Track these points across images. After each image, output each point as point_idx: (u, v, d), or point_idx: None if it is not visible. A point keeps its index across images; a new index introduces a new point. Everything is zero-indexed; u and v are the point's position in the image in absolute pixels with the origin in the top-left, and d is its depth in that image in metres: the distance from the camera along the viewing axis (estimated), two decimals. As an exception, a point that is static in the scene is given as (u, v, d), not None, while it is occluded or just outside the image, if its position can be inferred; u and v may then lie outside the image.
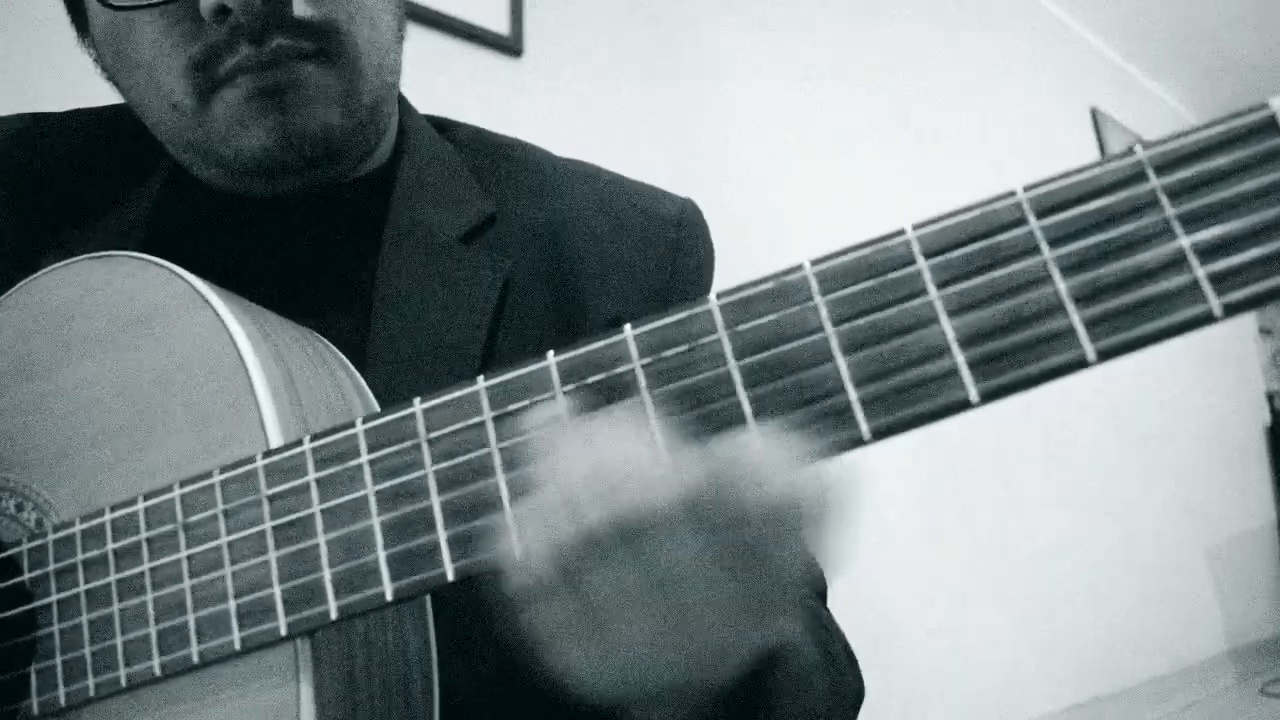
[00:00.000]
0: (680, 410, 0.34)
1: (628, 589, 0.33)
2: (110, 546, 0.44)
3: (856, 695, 0.58)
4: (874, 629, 2.18)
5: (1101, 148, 3.60)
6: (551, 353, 0.37)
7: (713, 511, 0.32)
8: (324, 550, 0.39)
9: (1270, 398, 4.37)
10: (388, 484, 0.38)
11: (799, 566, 0.35)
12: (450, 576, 0.37)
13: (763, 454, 0.32)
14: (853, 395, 0.32)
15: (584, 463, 0.33)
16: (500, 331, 0.59)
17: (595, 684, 0.36)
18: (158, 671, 0.42)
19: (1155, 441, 3.38)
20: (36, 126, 0.69)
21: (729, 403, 0.34)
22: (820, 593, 0.66)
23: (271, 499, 0.41)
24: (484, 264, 0.61)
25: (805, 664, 0.48)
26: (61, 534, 0.46)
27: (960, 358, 0.31)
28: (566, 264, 0.63)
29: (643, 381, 0.35)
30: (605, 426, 0.34)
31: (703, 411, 0.34)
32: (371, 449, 0.39)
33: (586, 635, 0.35)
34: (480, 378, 0.38)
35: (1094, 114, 3.68)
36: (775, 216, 2.21)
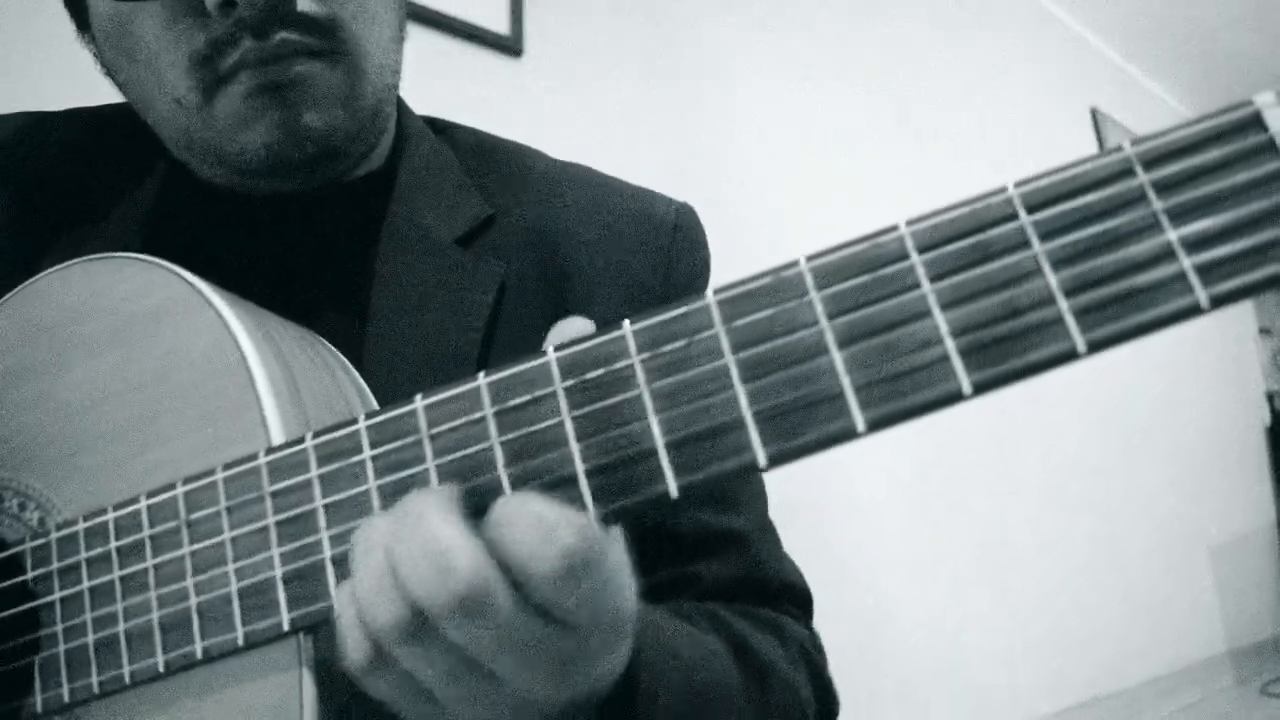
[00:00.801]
0: (675, 404, 0.35)
1: (440, 667, 0.36)
2: (113, 544, 0.45)
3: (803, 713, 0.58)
4: (874, 630, 2.18)
5: (1101, 148, 3.59)
6: (552, 348, 0.37)
7: (492, 594, 0.34)
8: (327, 545, 0.39)
9: (1270, 398, 4.37)
10: (390, 479, 0.39)
11: (604, 614, 0.37)
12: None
13: (527, 525, 0.34)
14: (847, 387, 0.33)
15: (378, 559, 0.35)
16: (496, 333, 0.60)
17: None
18: (161, 667, 0.42)
19: (1155, 441, 3.38)
20: (36, 126, 0.69)
21: (726, 396, 0.34)
22: (802, 606, 0.66)
23: (274, 495, 0.41)
24: (480, 266, 0.62)
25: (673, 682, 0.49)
26: (65, 532, 0.46)
27: (953, 350, 0.32)
28: (562, 267, 0.63)
29: (641, 376, 0.35)
30: (401, 520, 0.36)
31: (699, 405, 0.34)
32: (374, 445, 0.39)
33: (415, 702, 0.38)
34: (481, 373, 0.38)
35: (1094, 114, 3.68)
36: (775, 216, 2.21)
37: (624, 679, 0.43)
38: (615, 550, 0.37)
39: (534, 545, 0.33)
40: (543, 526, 0.34)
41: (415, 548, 0.34)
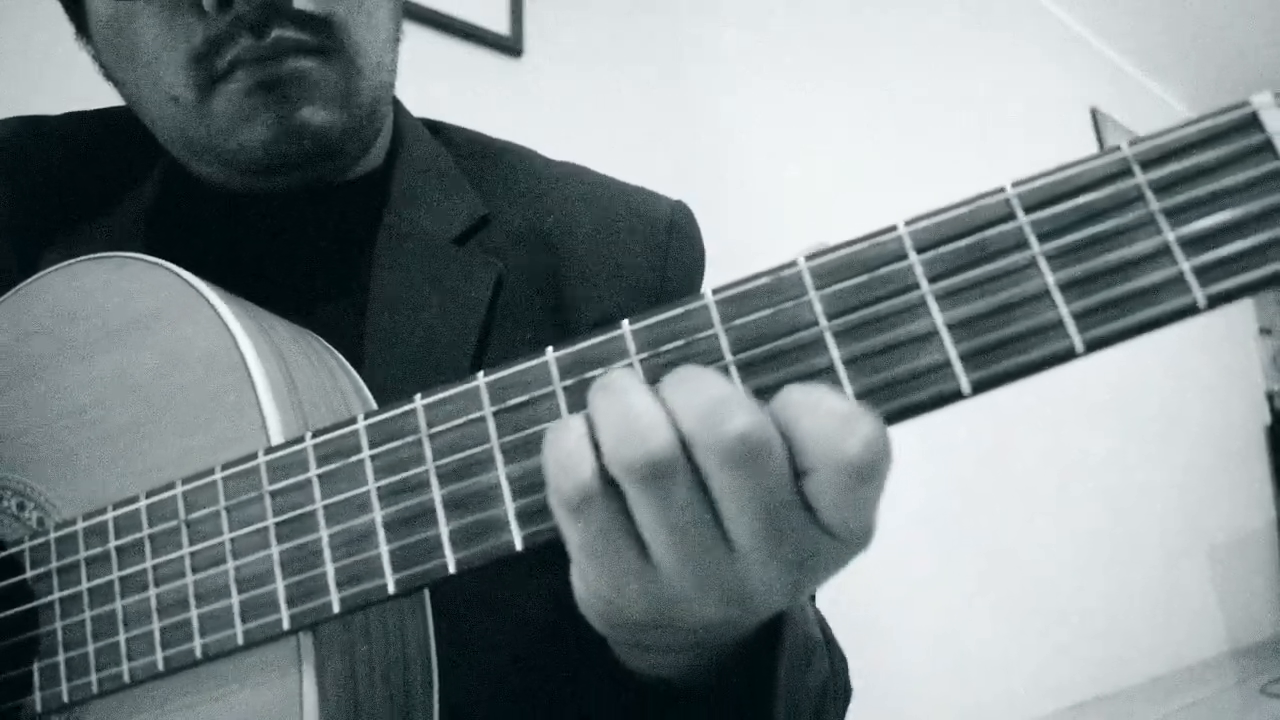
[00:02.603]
0: None
1: (676, 512, 0.33)
2: (113, 544, 0.45)
3: (846, 692, 0.59)
4: (873, 628, 2.18)
5: (1101, 148, 3.59)
6: (550, 348, 0.37)
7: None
8: (326, 544, 0.39)
9: (1270, 398, 4.37)
10: (389, 479, 0.39)
11: (860, 532, 0.34)
12: (451, 569, 0.37)
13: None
14: (847, 387, 0.33)
15: (641, 391, 0.33)
16: (493, 332, 0.60)
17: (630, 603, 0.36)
18: (161, 667, 0.43)
19: (1155, 441, 3.38)
20: (33, 129, 0.69)
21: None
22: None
23: (273, 494, 0.41)
24: (477, 265, 0.62)
25: (811, 640, 0.49)
26: (63, 532, 0.46)
27: (951, 349, 0.32)
28: (558, 266, 0.64)
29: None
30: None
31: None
32: (373, 444, 0.39)
33: (619, 551, 0.34)
34: (480, 373, 0.38)
35: (1094, 114, 3.68)
36: (775, 215, 2.21)
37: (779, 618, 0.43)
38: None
39: (832, 430, 0.31)
40: (842, 414, 0.31)
41: (693, 388, 0.32)
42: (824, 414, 0.31)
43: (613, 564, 0.34)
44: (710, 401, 0.31)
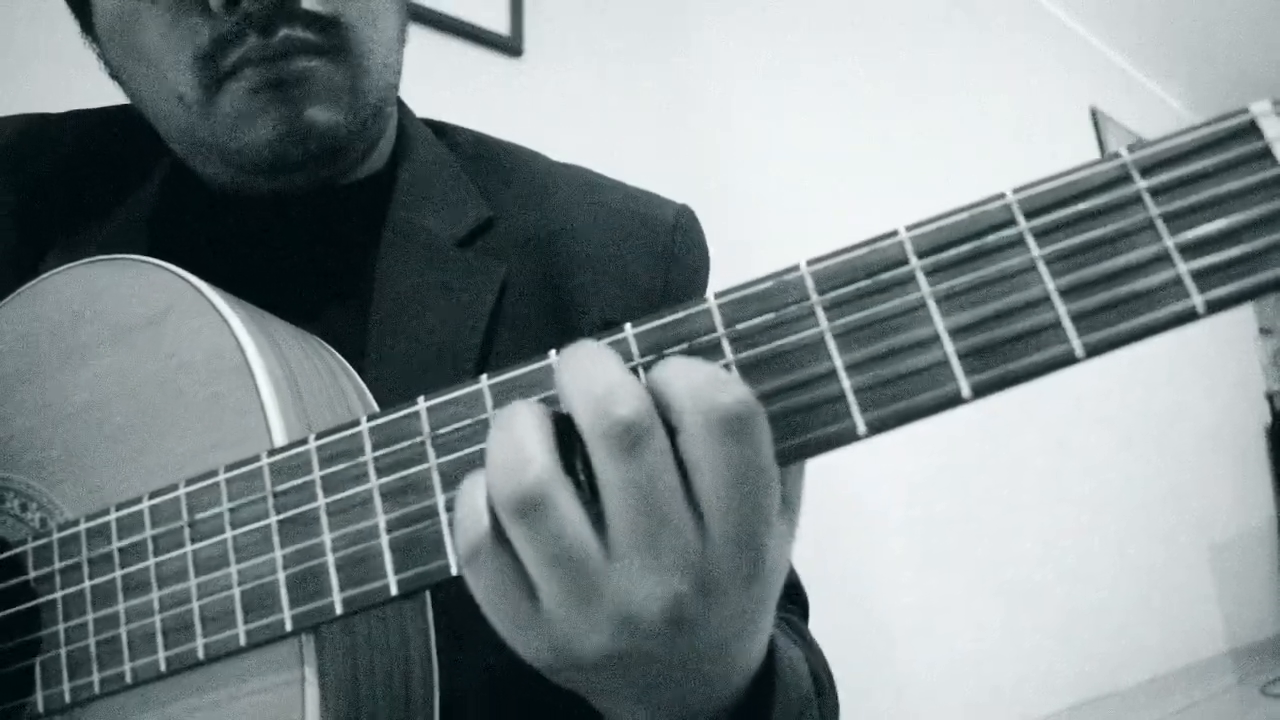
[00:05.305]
0: None
1: (548, 545, 0.33)
2: (115, 544, 0.45)
3: (835, 713, 0.58)
4: (873, 628, 2.18)
5: (1101, 148, 3.60)
6: (554, 351, 0.37)
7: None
8: (329, 546, 0.40)
9: (1270, 398, 4.37)
10: (392, 480, 0.39)
11: (750, 523, 0.33)
12: (454, 571, 0.37)
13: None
14: (847, 390, 0.33)
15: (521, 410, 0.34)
16: (496, 335, 0.60)
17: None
18: (163, 667, 0.43)
19: (1155, 441, 3.38)
20: (38, 128, 0.69)
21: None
22: (802, 607, 0.66)
23: (276, 496, 0.41)
24: (481, 268, 0.62)
25: (805, 700, 0.48)
26: (66, 532, 0.46)
27: (952, 353, 0.32)
28: (562, 268, 0.64)
29: (643, 380, 0.35)
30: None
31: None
32: (376, 446, 0.39)
33: (514, 598, 0.35)
34: (484, 375, 0.38)
35: (1094, 114, 3.68)
36: (774, 215, 2.21)
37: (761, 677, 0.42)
38: (782, 477, 0.35)
39: (703, 384, 0.32)
40: (717, 375, 0.32)
41: (584, 382, 0.33)
42: (698, 373, 0.32)
43: (510, 612, 0.35)
44: (599, 392, 0.32)
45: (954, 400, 0.32)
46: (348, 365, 0.52)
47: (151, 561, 0.43)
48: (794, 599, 0.65)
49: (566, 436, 0.34)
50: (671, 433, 0.33)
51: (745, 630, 0.37)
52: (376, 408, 0.51)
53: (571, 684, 0.39)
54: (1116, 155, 0.31)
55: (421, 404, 0.39)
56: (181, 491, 0.43)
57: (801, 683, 0.48)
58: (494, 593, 0.35)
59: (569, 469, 0.34)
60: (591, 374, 0.33)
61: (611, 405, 0.32)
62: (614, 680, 0.37)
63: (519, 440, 0.33)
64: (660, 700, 0.39)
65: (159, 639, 0.43)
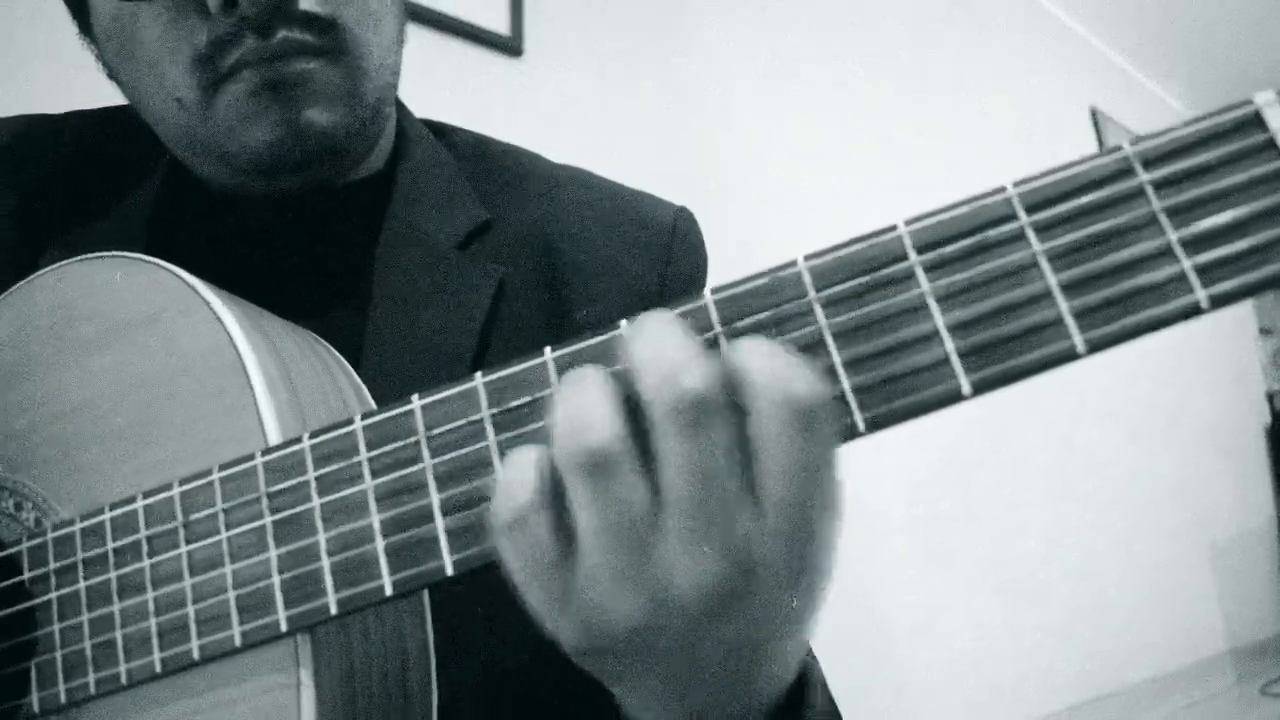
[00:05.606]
0: None
1: (608, 513, 0.33)
2: (110, 545, 0.44)
3: None
4: (874, 627, 2.18)
5: (1101, 148, 3.60)
6: (549, 349, 0.37)
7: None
8: (323, 546, 0.39)
9: (1270, 398, 4.37)
10: (387, 480, 0.39)
11: (810, 524, 0.33)
12: (449, 570, 0.37)
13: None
14: (847, 387, 0.33)
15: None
16: (493, 337, 0.60)
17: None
18: (158, 668, 0.42)
19: (1155, 441, 3.38)
20: (36, 128, 0.69)
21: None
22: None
23: (271, 496, 0.41)
24: (478, 270, 0.62)
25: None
26: (61, 532, 0.46)
27: (952, 350, 0.32)
28: (560, 270, 0.64)
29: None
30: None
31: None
32: (370, 446, 0.39)
33: (547, 574, 0.35)
34: (478, 374, 0.38)
35: (1094, 114, 3.68)
36: (774, 215, 2.21)
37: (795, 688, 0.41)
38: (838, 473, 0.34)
39: (780, 369, 0.31)
40: (794, 361, 0.32)
41: (652, 352, 0.32)
42: (778, 358, 0.32)
43: (547, 582, 0.34)
44: (668, 364, 0.32)
45: (954, 397, 0.32)
46: (343, 360, 0.52)
47: (146, 563, 0.43)
48: None
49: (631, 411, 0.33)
50: (740, 414, 0.32)
51: (780, 632, 0.36)
52: (372, 402, 0.51)
53: (599, 671, 0.38)
54: (1119, 148, 0.31)
55: (416, 403, 0.39)
56: (176, 491, 0.43)
57: (827, 699, 0.48)
58: (533, 561, 0.34)
59: (639, 442, 0.33)
60: (664, 344, 0.33)
61: (682, 377, 0.32)
62: (640, 670, 0.37)
63: (591, 401, 0.33)
64: (687, 699, 0.38)
65: (154, 639, 0.43)
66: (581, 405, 0.33)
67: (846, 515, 0.34)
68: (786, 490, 0.32)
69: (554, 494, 0.33)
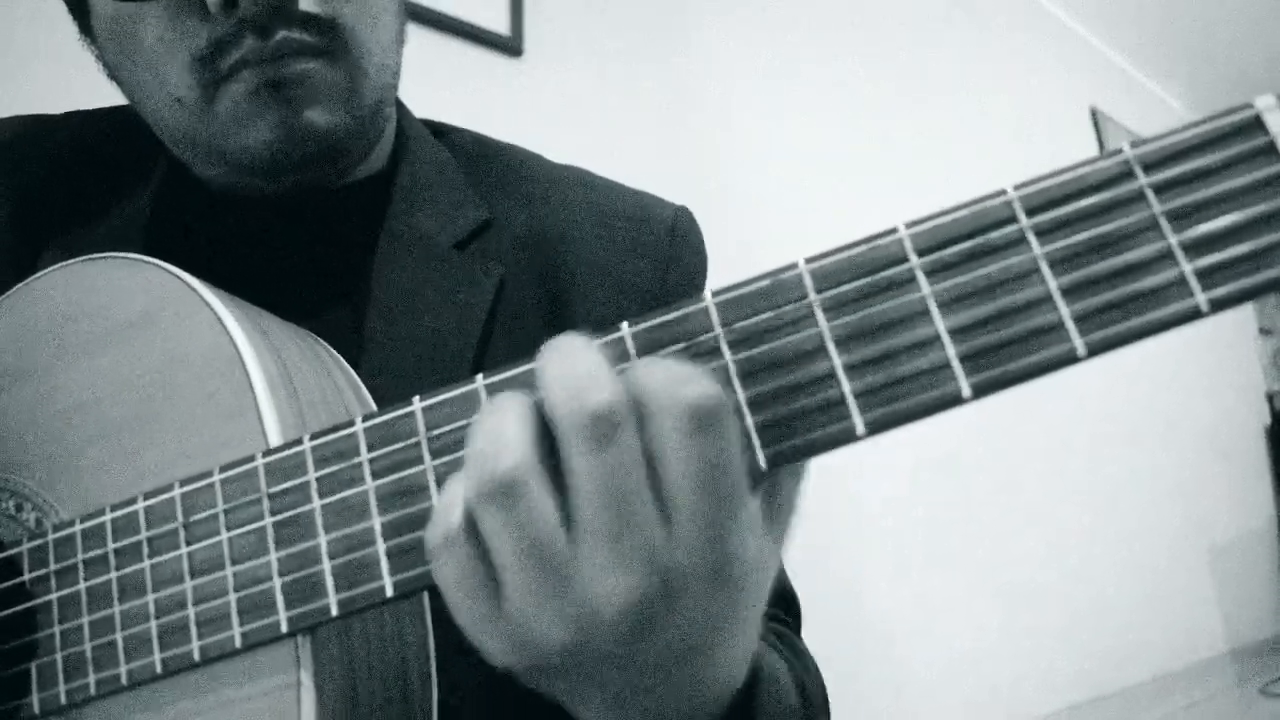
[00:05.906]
0: None
1: (522, 535, 0.33)
2: (110, 546, 0.44)
3: None
4: (873, 629, 2.18)
5: (1101, 148, 3.60)
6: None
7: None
8: (324, 547, 0.39)
9: (1270, 398, 4.37)
10: (388, 481, 0.39)
11: (719, 524, 0.33)
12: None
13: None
14: (846, 389, 0.33)
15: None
16: (494, 337, 0.60)
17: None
18: (159, 669, 0.42)
19: (1155, 441, 3.38)
20: (35, 128, 0.69)
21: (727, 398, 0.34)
22: (796, 618, 0.65)
23: (272, 497, 0.41)
24: (478, 270, 0.62)
25: (781, 689, 0.47)
26: (61, 534, 0.46)
27: (952, 353, 0.32)
28: (560, 270, 0.64)
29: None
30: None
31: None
32: (371, 447, 0.39)
33: (477, 597, 0.35)
34: (479, 375, 0.38)
35: (1094, 114, 3.68)
36: (774, 215, 2.21)
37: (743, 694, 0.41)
38: (779, 479, 0.35)
39: (672, 379, 0.32)
40: (686, 371, 0.32)
41: (561, 369, 0.33)
42: (668, 368, 0.32)
43: (473, 608, 0.35)
44: (574, 381, 0.32)
45: (954, 400, 0.32)
46: (342, 360, 0.52)
47: (147, 564, 0.43)
48: (787, 609, 0.64)
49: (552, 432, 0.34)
50: (644, 427, 0.33)
51: (716, 638, 0.36)
52: (372, 403, 0.51)
53: (543, 688, 0.38)
54: (1119, 151, 0.31)
55: (417, 404, 0.39)
56: (176, 493, 0.43)
57: (785, 696, 0.47)
58: (459, 588, 0.34)
59: (552, 464, 0.33)
60: (569, 363, 0.33)
61: (585, 394, 0.32)
62: (583, 684, 0.37)
63: (499, 429, 0.33)
64: (635, 708, 0.38)
65: (155, 640, 0.43)
66: (493, 431, 0.33)
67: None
68: (693, 495, 0.32)
69: (473, 521, 0.34)
